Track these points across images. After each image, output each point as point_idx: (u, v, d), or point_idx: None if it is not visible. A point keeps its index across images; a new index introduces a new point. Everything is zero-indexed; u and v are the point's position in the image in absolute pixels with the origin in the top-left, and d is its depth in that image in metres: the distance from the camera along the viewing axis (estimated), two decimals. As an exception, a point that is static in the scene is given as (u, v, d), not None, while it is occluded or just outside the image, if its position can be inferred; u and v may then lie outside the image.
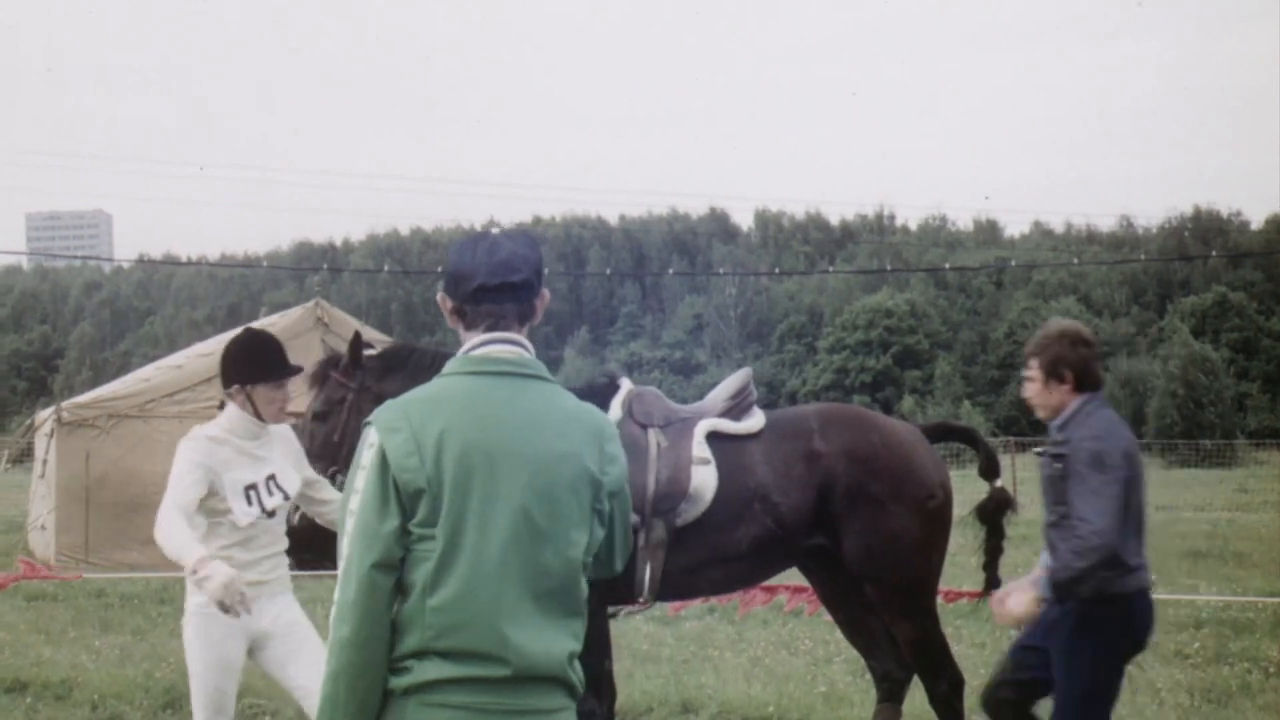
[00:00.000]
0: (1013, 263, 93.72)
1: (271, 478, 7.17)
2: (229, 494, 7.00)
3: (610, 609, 8.33)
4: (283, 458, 7.31)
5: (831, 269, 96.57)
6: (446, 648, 4.08)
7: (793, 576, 9.61)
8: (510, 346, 4.30)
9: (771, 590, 10.32)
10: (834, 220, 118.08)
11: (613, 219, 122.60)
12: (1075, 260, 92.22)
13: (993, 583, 8.69)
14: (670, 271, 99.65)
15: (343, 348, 8.63)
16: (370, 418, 4.23)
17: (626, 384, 8.44)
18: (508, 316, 4.32)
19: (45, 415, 22.70)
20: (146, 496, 19.55)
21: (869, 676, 9.19)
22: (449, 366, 4.31)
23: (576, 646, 4.23)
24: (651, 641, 13.18)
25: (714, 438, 8.25)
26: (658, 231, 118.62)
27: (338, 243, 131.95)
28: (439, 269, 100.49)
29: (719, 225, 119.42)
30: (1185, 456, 49.01)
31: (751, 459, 8.24)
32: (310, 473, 7.54)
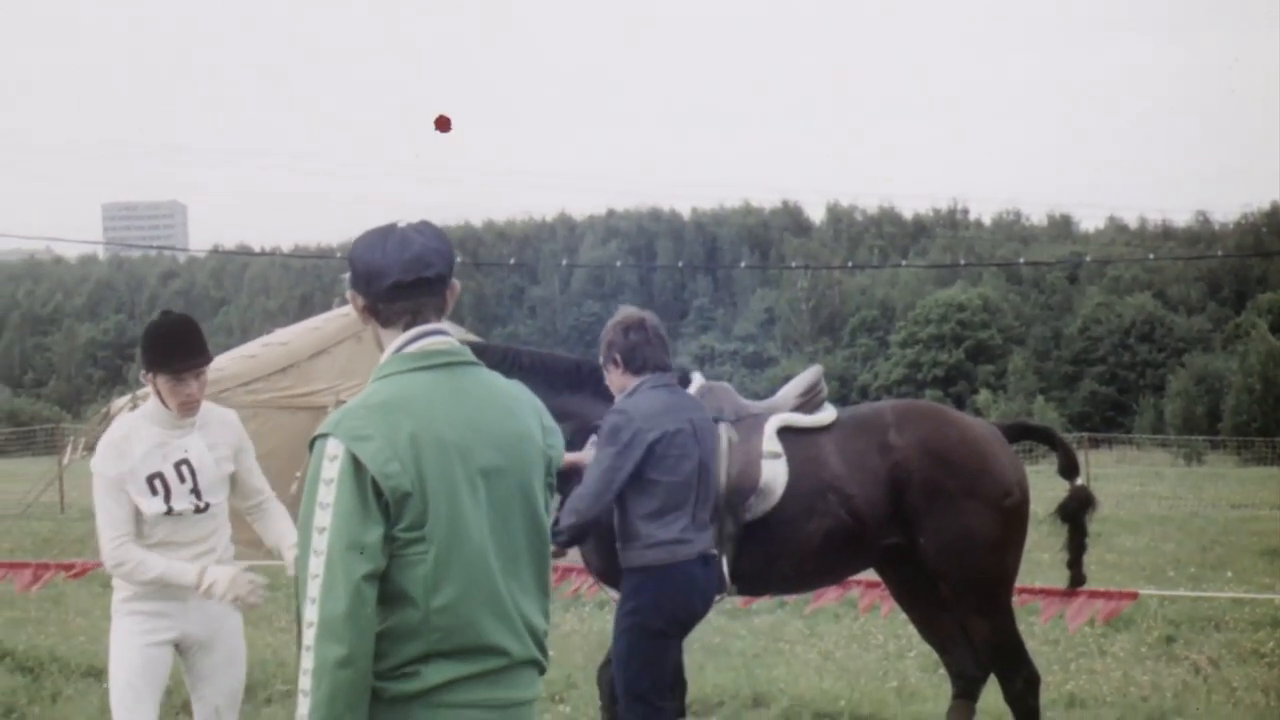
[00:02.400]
0: (1087, 258, 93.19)
1: (183, 463, 6.72)
2: (132, 488, 6.63)
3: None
4: (205, 444, 6.80)
5: (904, 263, 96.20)
6: (452, 648, 4.07)
7: (866, 572, 9.57)
8: (441, 338, 4.27)
9: (844, 585, 10.25)
10: (907, 214, 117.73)
11: (685, 212, 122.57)
12: (1150, 256, 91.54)
13: (1078, 580, 8.64)
14: (742, 264, 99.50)
15: None
16: (323, 429, 4.09)
17: (698, 378, 8.42)
18: (424, 310, 4.26)
19: (120, 404, 22.86)
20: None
21: (943, 672, 9.15)
22: (391, 364, 4.22)
23: (547, 626, 4.30)
24: (723, 634, 13.14)
25: (785, 432, 8.22)
26: (730, 225, 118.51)
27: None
28: (511, 261, 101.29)
29: (791, 219, 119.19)
30: (1262, 454, 48.47)
31: (824, 452, 8.21)
32: (250, 463, 7.03)
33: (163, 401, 6.71)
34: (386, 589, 4.02)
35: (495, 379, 4.37)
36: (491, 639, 4.11)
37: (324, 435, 4.07)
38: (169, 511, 6.64)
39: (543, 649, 4.26)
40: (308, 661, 3.96)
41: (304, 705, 3.97)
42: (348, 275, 4.37)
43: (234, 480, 6.96)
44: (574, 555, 8.62)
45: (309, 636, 3.97)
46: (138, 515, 6.63)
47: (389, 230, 4.28)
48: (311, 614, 3.97)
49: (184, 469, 6.70)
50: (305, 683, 3.97)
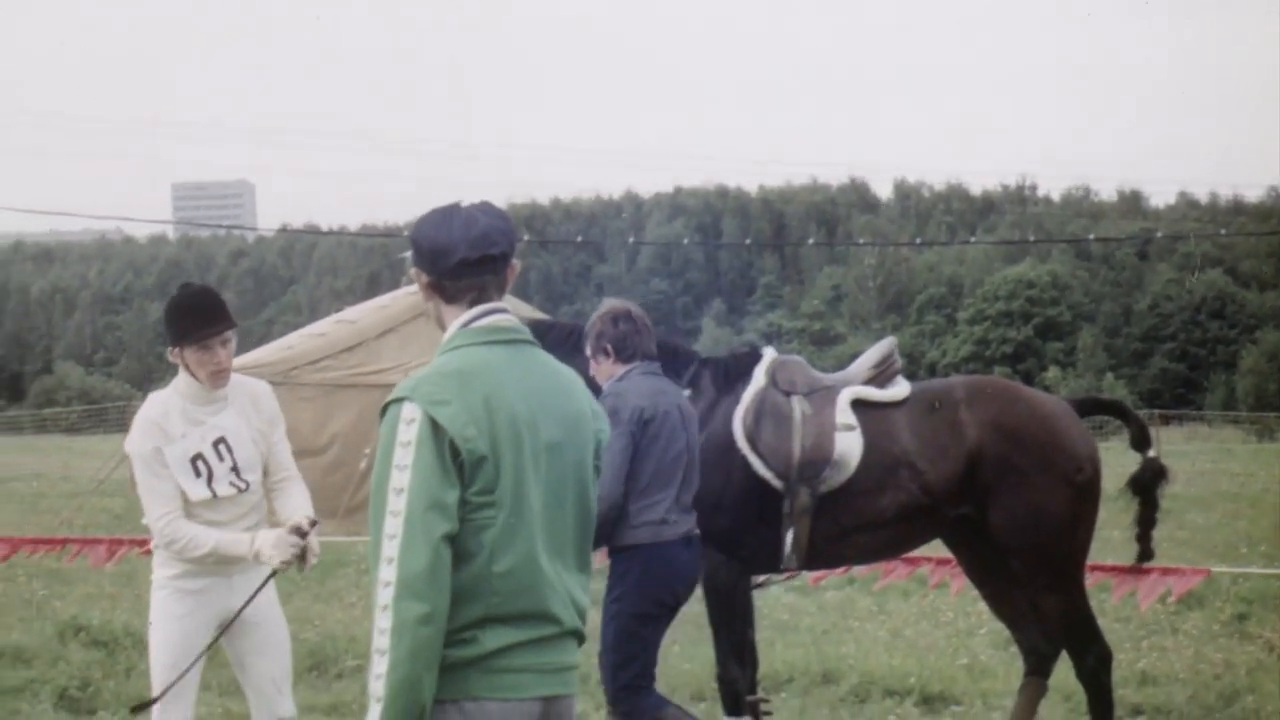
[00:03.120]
0: (1158, 234, 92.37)
1: (220, 441, 6.68)
2: (176, 470, 6.59)
3: (758, 578, 8.32)
4: (241, 418, 6.76)
5: (973, 240, 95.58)
6: (510, 613, 4.15)
7: (937, 549, 9.55)
8: (504, 315, 4.37)
9: (913, 562, 10.25)
10: (975, 191, 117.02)
11: (752, 189, 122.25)
12: (1222, 231, 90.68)
13: (1146, 554, 8.59)
14: (810, 242, 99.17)
15: None
16: (398, 394, 4.18)
17: (770, 352, 8.43)
18: (488, 288, 4.35)
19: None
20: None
21: (1014, 649, 9.13)
22: (459, 338, 4.31)
23: (588, 602, 4.38)
24: (792, 611, 13.15)
25: (858, 405, 8.21)
26: (797, 202, 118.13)
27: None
28: (578, 239, 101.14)
29: (859, 195, 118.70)
30: (1336, 432, 48.03)
31: (896, 427, 8.20)
32: (279, 437, 6.94)
33: (193, 375, 6.67)
34: (453, 551, 4.09)
35: (551, 359, 4.47)
36: (546, 606, 4.21)
37: (399, 400, 4.15)
38: (213, 496, 6.63)
39: (584, 621, 4.35)
40: (385, 620, 4.01)
41: (381, 664, 4.01)
42: (409, 253, 4.47)
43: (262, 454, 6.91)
44: None
45: (386, 595, 4.02)
46: (182, 496, 6.62)
47: (454, 209, 4.36)
48: (389, 573, 4.03)
49: (221, 447, 6.67)
50: (383, 641, 4.01)
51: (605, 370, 7.68)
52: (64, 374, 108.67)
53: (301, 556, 6.47)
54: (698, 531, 7.70)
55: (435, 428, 4.09)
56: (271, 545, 6.43)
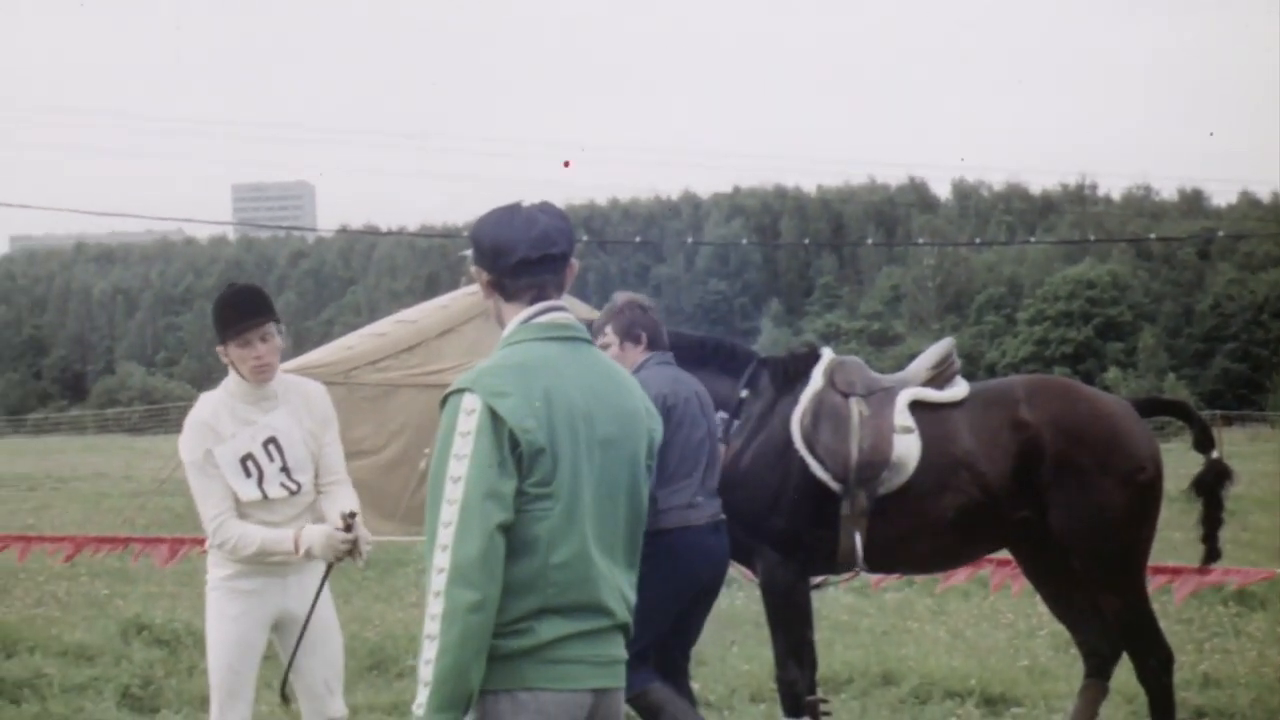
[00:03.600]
0: (1219, 233, 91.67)
1: (271, 441, 6.65)
2: (226, 470, 6.57)
3: (816, 579, 8.30)
4: (293, 419, 6.72)
5: (1032, 240, 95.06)
6: (565, 604, 4.21)
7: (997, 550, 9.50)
8: (564, 313, 4.44)
9: (975, 564, 10.19)
10: (1035, 190, 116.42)
11: (811, 189, 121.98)
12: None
13: (1213, 555, 8.52)
14: (869, 242, 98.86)
15: None
16: (459, 385, 4.24)
17: (828, 353, 8.40)
18: (547, 287, 4.42)
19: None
20: (350, 461, 19.87)
21: (1074, 651, 9.07)
22: (519, 333, 4.38)
23: (634, 599, 4.44)
24: (851, 612, 13.12)
25: (917, 407, 8.17)
26: (856, 201, 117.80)
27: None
28: (636, 239, 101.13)
29: (917, 195, 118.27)
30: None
31: (956, 428, 8.15)
32: (331, 438, 6.87)
33: (239, 372, 6.66)
34: (509, 542, 4.15)
35: (606, 358, 4.58)
36: (600, 598, 4.27)
37: (460, 391, 4.22)
38: (264, 498, 6.62)
39: (632, 616, 4.41)
40: (437, 606, 4.08)
41: (430, 649, 4.08)
42: (469, 252, 4.51)
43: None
44: None
45: (439, 582, 4.09)
46: (235, 498, 6.61)
47: (515, 209, 4.43)
48: (443, 560, 4.10)
49: (272, 447, 6.65)
50: (433, 627, 4.08)
51: (630, 358, 7.69)
52: (126, 374, 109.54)
53: (351, 551, 6.46)
54: (724, 516, 7.71)
55: (495, 418, 4.15)
56: (321, 544, 6.44)
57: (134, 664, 11.01)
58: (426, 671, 4.08)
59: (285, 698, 6.80)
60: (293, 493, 6.67)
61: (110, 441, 58.70)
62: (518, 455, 4.16)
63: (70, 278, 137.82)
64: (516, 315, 4.42)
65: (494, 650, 4.13)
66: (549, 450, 4.19)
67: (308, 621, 6.66)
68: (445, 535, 4.10)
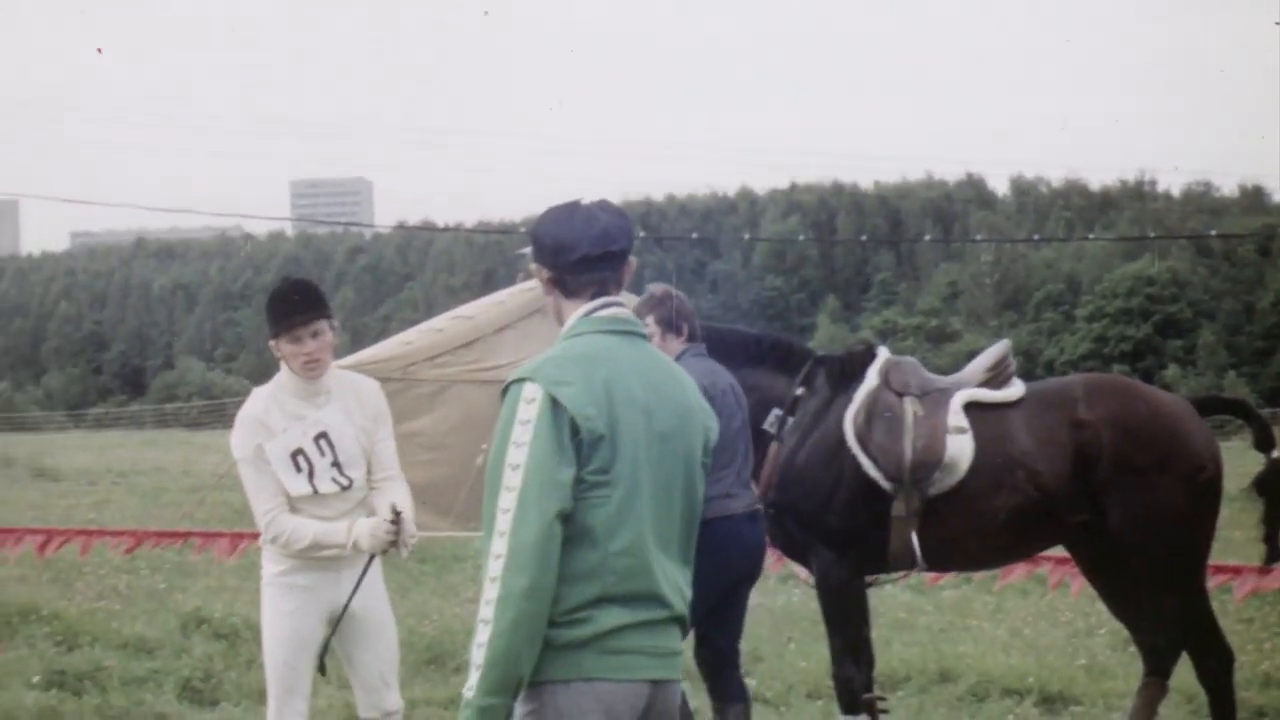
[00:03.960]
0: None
1: (322, 436, 6.64)
2: (276, 465, 6.57)
3: (869, 578, 8.29)
4: (345, 414, 6.70)
5: (1091, 236, 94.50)
6: (625, 593, 4.22)
7: (1055, 547, 9.46)
8: (624, 308, 4.49)
9: (1033, 562, 10.17)
10: (1094, 187, 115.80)
11: (868, 185, 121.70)
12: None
13: (1274, 555, 8.46)
14: (926, 238, 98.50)
15: None
16: (520, 375, 4.27)
17: (884, 352, 8.39)
18: (608, 284, 4.46)
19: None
20: (408, 457, 19.96)
21: (1133, 650, 9.03)
22: (580, 326, 4.42)
23: (689, 595, 4.46)
24: (909, 610, 13.09)
25: (972, 407, 8.14)
26: (913, 198, 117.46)
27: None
28: (693, 235, 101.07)
29: (975, 191, 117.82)
30: None
31: (1012, 428, 8.12)
32: (384, 435, 6.86)
33: (292, 369, 6.65)
34: (567, 531, 4.16)
35: (662, 354, 4.63)
36: (657, 588, 4.29)
37: (521, 380, 4.26)
38: (314, 493, 6.62)
39: (688, 610, 4.42)
40: (492, 591, 4.10)
41: (483, 632, 4.10)
42: (528, 249, 4.66)
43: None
44: None
45: (496, 568, 4.11)
46: (286, 492, 6.63)
47: (575, 206, 4.48)
48: (500, 546, 4.12)
49: (323, 443, 6.65)
50: (488, 611, 4.10)
51: (671, 349, 7.70)
52: (185, 369, 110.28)
53: (394, 542, 6.48)
54: (759, 506, 7.73)
55: (555, 406, 4.18)
56: (368, 534, 6.47)
57: (194, 657, 11.10)
58: (479, 655, 4.11)
59: (322, 669, 6.83)
60: (344, 488, 6.68)
61: (169, 436, 59.13)
62: (577, 443, 4.19)
63: (130, 273, 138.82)
64: (577, 311, 4.45)
65: (553, 640, 4.15)
66: (609, 438, 4.21)
67: (345, 608, 6.70)
68: (503, 522, 4.13)
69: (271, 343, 6.71)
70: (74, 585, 15.04)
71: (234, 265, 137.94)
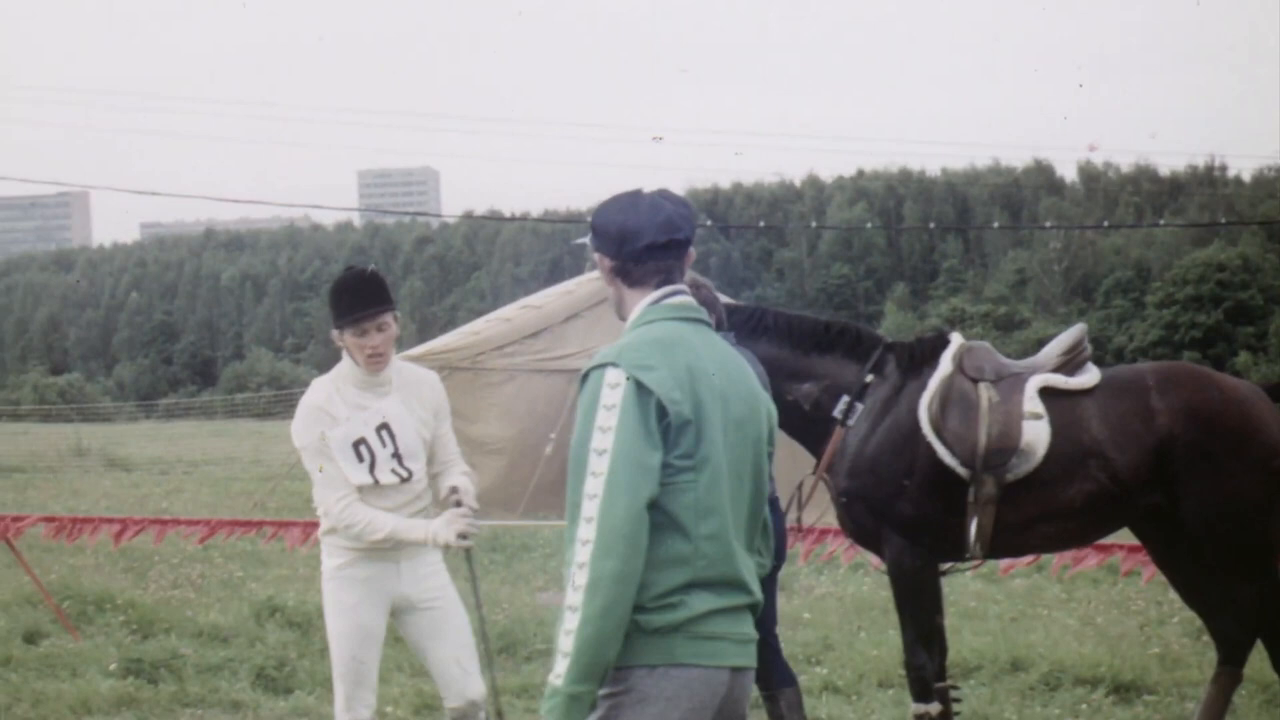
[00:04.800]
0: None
1: (384, 427, 6.65)
2: (338, 454, 6.59)
3: (943, 565, 8.27)
4: (405, 406, 6.72)
5: (1161, 222, 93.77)
6: (711, 578, 4.22)
7: (1127, 535, 9.42)
8: (687, 297, 4.48)
9: (1105, 550, 10.10)
10: (1163, 172, 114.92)
11: (935, 172, 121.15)
12: None
13: None
14: (995, 225, 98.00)
15: None
16: (602, 360, 4.26)
17: (957, 338, 8.34)
18: (673, 272, 4.46)
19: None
20: (477, 446, 20.04)
21: (1206, 639, 8.98)
22: (651, 313, 4.41)
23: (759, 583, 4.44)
24: (979, 599, 13.06)
25: (1047, 393, 8.09)
26: (981, 184, 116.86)
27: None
28: (760, 223, 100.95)
29: (1043, 178, 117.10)
30: None
31: (1086, 415, 8.07)
32: (445, 428, 6.91)
33: (353, 359, 6.67)
34: (655, 517, 4.15)
35: (725, 343, 4.58)
36: (740, 574, 4.29)
37: (602, 365, 4.25)
38: (375, 483, 6.63)
39: (761, 597, 4.43)
40: (581, 577, 4.09)
41: (572, 619, 4.08)
42: (588, 239, 4.54)
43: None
44: (829, 518, 8.65)
45: (584, 554, 4.09)
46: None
47: (638, 195, 4.47)
48: (587, 532, 4.10)
49: (384, 433, 6.65)
50: (576, 598, 4.09)
51: None
52: (254, 359, 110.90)
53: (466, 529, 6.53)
54: (778, 496, 7.69)
55: (641, 390, 4.17)
56: (446, 527, 6.51)
57: (268, 645, 11.20)
58: (566, 642, 4.09)
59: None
60: (403, 480, 6.68)
61: (239, 426, 59.46)
62: (664, 426, 4.18)
63: (200, 264, 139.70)
64: (642, 299, 4.45)
65: (643, 625, 4.15)
66: (694, 422, 4.21)
67: (477, 592, 6.85)
68: (590, 507, 4.11)
69: (334, 333, 6.71)
70: (148, 574, 15.21)
71: (302, 256, 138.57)
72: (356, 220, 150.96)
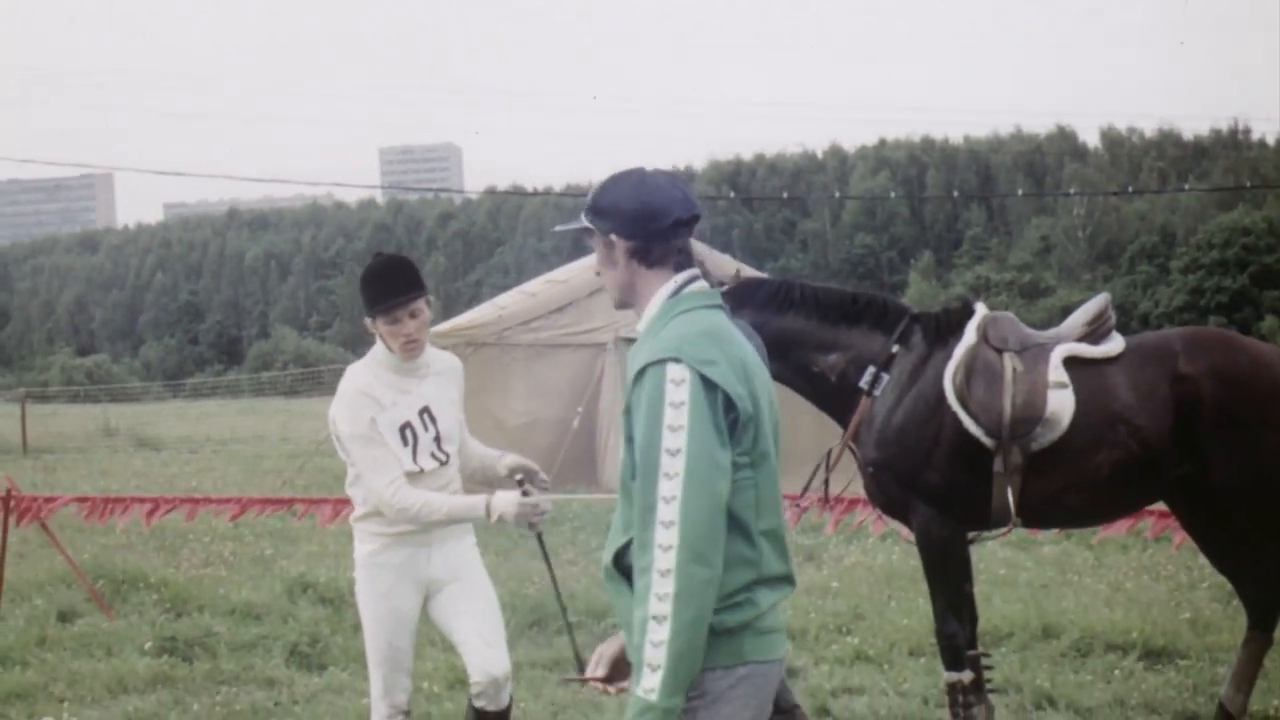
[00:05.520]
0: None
1: (425, 411, 6.64)
2: (388, 439, 6.53)
3: (970, 534, 8.28)
4: (439, 388, 6.73)
5: (1186, 187, 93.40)
6: (771, 574, 4.16)
7: (1156, 502, 9.42)
8: (704, 280, 4.36)
9: (1134, 516, 10.09)
10: (1187, 136, 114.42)
11: (957, 140, 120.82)
12: None
13: None
14: (1019, 192, 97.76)
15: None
16: (660, 355, 4.06)
17: (981, 308, 8.34)
18: (688, 250, 4.32)
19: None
20: (504, 421, 20.08)
21: (1237, 604, 8.98)
22: (687, 301, 4.24)
23: None
24: (1009, 566, 13.07)
25: (1072, 362, 8.08)
26: (1004, 152, 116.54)
27: (680, 169, 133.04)
28: (783, 194, 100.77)
29: (1067, 144, 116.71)
30: None
31: (1113, 383, 8.05)
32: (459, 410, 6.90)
33: (388, 347, 6.60)
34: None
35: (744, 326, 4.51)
36: (790, 567, 4.24)
37: (662, 360, 4.05)
38: (419, 470, 6.59)
39: None
40: (668, 585, 3.90)
41: (660, 630, 3.91)
42: (588, 221, 4.39)
43: None
44: (856, 487, 8.66)
45: (668, 560, 3.91)
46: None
47: (645, 173, 4.34)
48: (669, 537, 3.92)
49: (426, 417, 6.62)
50: (663, 607, 3.90)
51: None
52: (280, 338, 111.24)
53: (537, 514, 6.55)
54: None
55: (708, 386, 4.01)
56: (514, 512, 6.45)
57: (300, 622, 11.25)
58: (657, 654, 3.91)
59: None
60: (441, 463, 6.67)
61: (266, 404, 59.65)
62: (731, 421, 4.04)
63: (224, 244, 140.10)
64: (664, 283, 4.30)
65: (717, 626, 4.02)
66: (754, 417, 4.11)
67: (551, 571, 7.00)
68: (668, 511, 3.93)
69: (367, 321, 6.65)
70: (180, 553, 15.28)
71: (326, 234, 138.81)
72: (379, 197, 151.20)
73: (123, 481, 24.28)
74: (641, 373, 4.09)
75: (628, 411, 4.14)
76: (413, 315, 6.54)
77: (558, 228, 4.50)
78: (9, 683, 9.79)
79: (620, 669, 4.34)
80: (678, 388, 4.00)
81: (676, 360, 4.03)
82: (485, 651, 6.77)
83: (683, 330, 4.14)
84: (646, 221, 4.24)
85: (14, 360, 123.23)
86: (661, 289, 4.28)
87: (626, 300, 4.38)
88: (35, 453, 33.84)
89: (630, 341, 7.95)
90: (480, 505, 6.50)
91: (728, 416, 4.03)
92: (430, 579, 6.72)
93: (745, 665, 4.11)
